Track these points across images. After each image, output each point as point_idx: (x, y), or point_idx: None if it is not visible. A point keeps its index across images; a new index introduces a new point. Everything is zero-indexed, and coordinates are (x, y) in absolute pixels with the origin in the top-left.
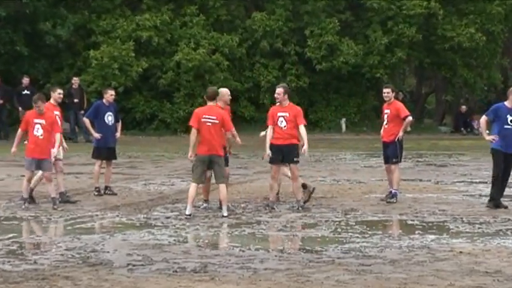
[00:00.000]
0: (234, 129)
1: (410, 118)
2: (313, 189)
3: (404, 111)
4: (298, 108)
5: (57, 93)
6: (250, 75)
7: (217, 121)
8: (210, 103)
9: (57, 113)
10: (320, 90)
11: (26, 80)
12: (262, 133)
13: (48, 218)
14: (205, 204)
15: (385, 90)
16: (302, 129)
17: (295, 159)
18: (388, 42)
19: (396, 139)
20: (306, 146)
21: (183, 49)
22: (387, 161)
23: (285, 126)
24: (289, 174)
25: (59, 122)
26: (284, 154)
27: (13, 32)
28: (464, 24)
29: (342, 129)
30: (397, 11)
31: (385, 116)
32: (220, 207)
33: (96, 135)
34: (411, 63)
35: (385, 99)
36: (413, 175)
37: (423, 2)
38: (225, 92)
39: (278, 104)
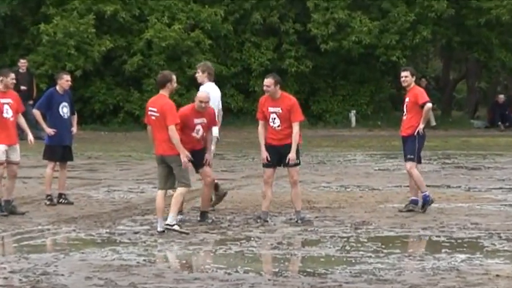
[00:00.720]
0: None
1: (429, 105)
2: (225, 193)
3: (422, 96)
4: (293, 99)
5: (10, 78)
6: (238, 57)
7: (157, 114)
8: (160, 91)
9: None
10: (325, 75)
11: None
12: None
13: None
14: (179, 216)
15: (402, 73)
16: (295, 128)
17: (295, 161)
18: (411, 18)
19: (415, 132)
20: (293, 155)
21: (155, 25)
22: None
23: (278, 126)
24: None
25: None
26: (282, 156)
27: None
28: None
29: (351, 123)
30: None
31: (405, 106)
32: (201, 219)
33: (49, 130)
34: (437, 43)
35: (403, 84)
36: (440, 180)
37: None
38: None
39: (269, 95)
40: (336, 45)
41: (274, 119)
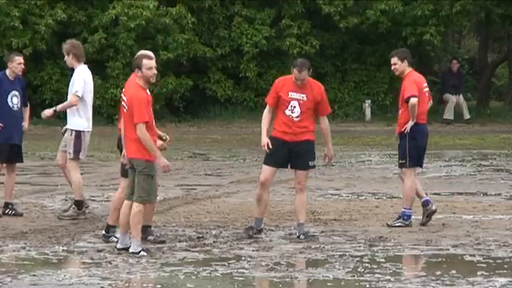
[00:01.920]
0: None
1: (413, 100)
2: None
3: (408, 89)
4: (323, 88)
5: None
6: (226, 35)
7: (126, 106)
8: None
9: None
10: (333, 57)
11: None
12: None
13: None
14: (151, 237)
15: (391, 61)
16: (325, 123)
17: (310, 163)
18: None
19: (404, 130)
20: (330, 151)
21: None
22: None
23: (297, 117)
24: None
25: None
26: (292, 155)
27: None
28: None
29: (366, 116)
30: None
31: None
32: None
33: None
34: (472, 17)
35: (395, 73)
36: (475, 186)
37: None
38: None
39: (295, 79)
40: (359, 20)
41: (295, 107)
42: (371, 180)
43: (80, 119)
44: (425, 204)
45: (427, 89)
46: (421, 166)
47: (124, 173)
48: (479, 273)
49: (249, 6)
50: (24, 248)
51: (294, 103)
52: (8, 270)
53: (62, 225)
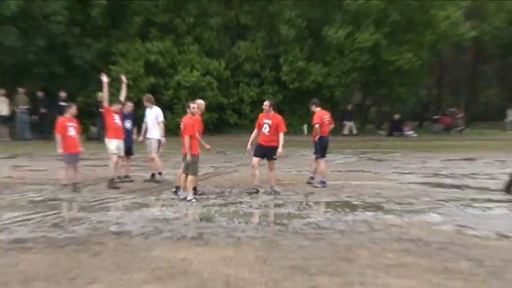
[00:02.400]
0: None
1: (316, 126)
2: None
3: (315, 120)
4: (280, 117)
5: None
6: (235, 92)
7: (182, 126)
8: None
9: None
10: (289, 102)
11: (62, 94)
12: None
13: (83, 199)
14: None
15: (310, 105)
16: (281, 136)
17: (274, 157)
18: (346, 67)
19: (316, 139)
20: (280, 150)
21: (182, 71)
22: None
23: (268, 132)
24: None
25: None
26: (266, 152)
27: (51, 57)
28: (404, 51)
29: (304, 132)
30: (350, 42)
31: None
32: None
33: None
34: (360, 81)
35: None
36: (357, 167)
37: (370, 36)
38: (202, 102)
39: (265, 112)
40: (297, 85)
41: (266, 127)
42: (306, 164)
43: (158, 132)
44: (311, 178)
45: (327, 119)
46: (324, 157)
47: (184, 159)
48: (358, 210)
49: (247, 77)
50: (134, 198)
51: (266, 125)
52: (126, 209)
53: (153, 187)
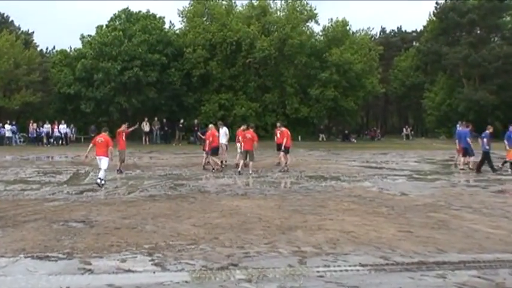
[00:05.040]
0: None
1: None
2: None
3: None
4: (286, 130)
5: (123, 126)
6: (263, 119)
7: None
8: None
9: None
10: (291, 125)
11: (181, 121)
12: None
13: (185, 174)
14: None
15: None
16: (284, 140)
17: (284, 150)
18: (320, 108)
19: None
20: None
21: (237, 108)
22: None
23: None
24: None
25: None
26: (279, 147)
27: (171, 102)
28: (350, 100)
29: (299, 139)
30: (322, 96)
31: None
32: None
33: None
34: (328, 114)
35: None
36: (326, 158)
37: (332, 92)
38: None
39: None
40: (295, 116)
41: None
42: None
43: (224, 138)
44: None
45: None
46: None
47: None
48: (327, 180)
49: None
50: (208, 176)
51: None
52: (207, 179)
53: (220, 171)
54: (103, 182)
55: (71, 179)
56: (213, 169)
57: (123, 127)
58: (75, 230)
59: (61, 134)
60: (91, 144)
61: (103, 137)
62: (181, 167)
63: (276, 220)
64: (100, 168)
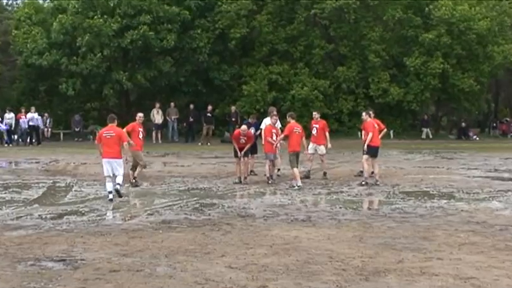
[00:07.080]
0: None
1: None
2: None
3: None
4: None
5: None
6: (336, 105)
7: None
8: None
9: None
10: (376, 113)
11: (209, 108)
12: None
13: (217, 189)
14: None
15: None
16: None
17: (369, 151)
18: (420, 87)
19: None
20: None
21: (296, 88)
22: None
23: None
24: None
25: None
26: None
27: (196, 79)
28: (466, 78)
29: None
30: (425, 69)
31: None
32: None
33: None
34: (433, 98)
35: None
36: (433, 164)
37: (439, 64)
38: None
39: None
40: (382, 100)
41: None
42: (397, 161)
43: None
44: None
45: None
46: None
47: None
48: (435, 198)
49: (345, 94)
50: (258, 188)
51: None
52: (251, 197)
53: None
54: (123, 189)
55: (44, 196)
56: (245, 177)
57: (139, 119)
58: (51, 273)
59: (30, 127)
60: (97, 143)
61: (112, 129)
62: (212, 179)
63: (356, 260)
64: (114, 176)
